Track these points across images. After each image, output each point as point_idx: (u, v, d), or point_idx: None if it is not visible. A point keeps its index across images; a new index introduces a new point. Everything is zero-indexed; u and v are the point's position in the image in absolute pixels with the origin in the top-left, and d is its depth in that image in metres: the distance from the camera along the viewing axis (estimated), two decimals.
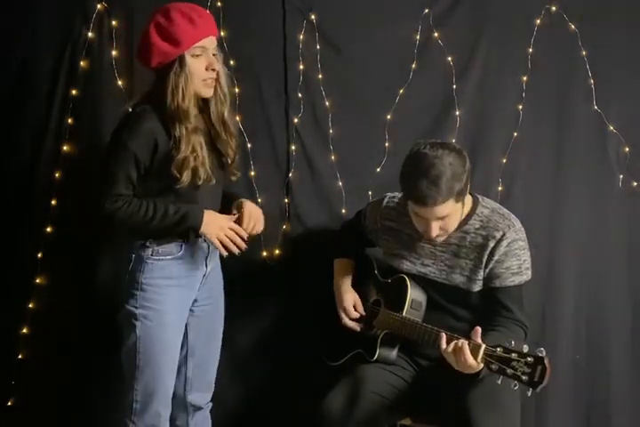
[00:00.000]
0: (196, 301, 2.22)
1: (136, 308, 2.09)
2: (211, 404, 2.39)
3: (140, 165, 2.01)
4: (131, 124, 2.02)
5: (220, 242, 2.07)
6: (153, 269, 2.09)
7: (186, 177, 2.01)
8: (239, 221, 2.13)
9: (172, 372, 2.17)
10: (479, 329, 1.92)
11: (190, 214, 2.04)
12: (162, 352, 2.12)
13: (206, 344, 2.29)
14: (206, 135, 2.11)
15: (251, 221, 2.14)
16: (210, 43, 2.05)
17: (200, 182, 2.05)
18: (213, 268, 2.26)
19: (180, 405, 2.31)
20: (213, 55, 2.05)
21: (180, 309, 2.16)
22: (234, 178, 2.25)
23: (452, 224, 2.10)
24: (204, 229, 2.05)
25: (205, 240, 2.14)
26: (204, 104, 2.12)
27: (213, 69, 2.04)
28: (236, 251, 2.10)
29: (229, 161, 2.18)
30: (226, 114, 2.13)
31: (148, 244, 2.09)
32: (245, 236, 2.10)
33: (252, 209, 2.17)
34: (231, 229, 2.09)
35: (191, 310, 2.23)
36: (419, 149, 2.04)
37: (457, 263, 2.17)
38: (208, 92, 2.07)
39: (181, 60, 2.00)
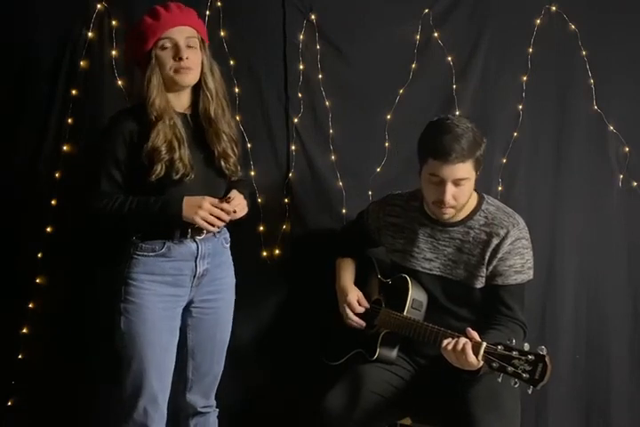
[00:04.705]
0: (192, 302, 2.21)
1: (121, 302, 2.11)
2: (216, 410, 2.36)
3: (121, 165, 2.07)
4: (106, 126, 2.13)
5: (204, 220, 2.05)
6: (137, 264, 2.11)
7: (160, 169, 2.03)
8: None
9: (156, 368, 2.12)
10: (471, 330, 1.93)
11: (170, 202, 2.05)
12: (145, 348, 2.09)
13: (207, 347, 2.27)
14: (192, 131, 2.13)
15: (235, 199, 2.12)
16: (178, 32, 2.04)
17: (177, 177, 2.05)
18: (214, 271, 2.22)
19: (182, 406, 2.30)
20: (188, 46, 2.05)
21: (163, 304, 2.13)
22: (234, 178, 2.23)
23: (464, 197, 2.11)
24: (185, 213, 2.04)
25: (195, 240, 2.14)
26: (195, 101, 2.14)
27: (180, 58, 2.03)
28: (221, 224, 2.09)
29: (222, 160, 2.15)
30: (212, 111, 2.12)
31: (133, 239, 2.12)
32: (230, 209, 2.08)
33: (238, 193, 2.16)
34: (211, 206, 2.06)
35: (189, 311, 2.22)
36: (439, 117, 2.12)
37: (460, 258, 2.18)
38: (182, 79, 2.07)
39: (151, 54, 2.04)
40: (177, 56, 2.04)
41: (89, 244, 2.55)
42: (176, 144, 2.05)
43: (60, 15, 2.53)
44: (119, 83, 2.55)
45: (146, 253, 2.12)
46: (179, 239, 2.12)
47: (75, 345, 2.58)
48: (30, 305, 2.55)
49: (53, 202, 2.55)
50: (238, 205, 2.12)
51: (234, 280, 2.34)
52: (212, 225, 2.07)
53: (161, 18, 2.04)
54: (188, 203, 2.05)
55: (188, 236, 2.12)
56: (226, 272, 2.29)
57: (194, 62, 2.07)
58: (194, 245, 2.15)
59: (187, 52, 2.05)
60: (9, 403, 2.59)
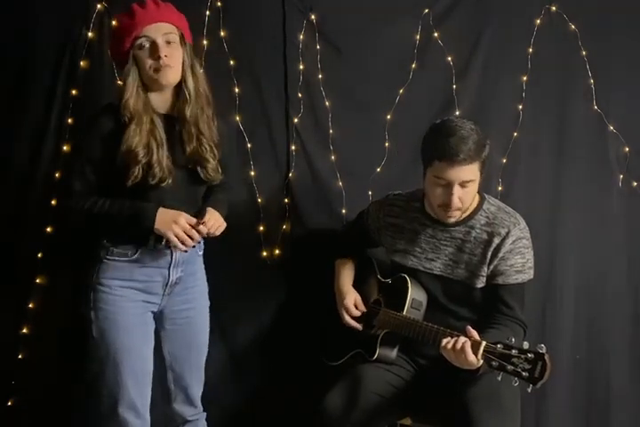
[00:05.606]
0: (163, 313, 2.17)
1: (91, 310, 2.07)
2: (203, 413, 2.34)
3: (96, 164, 2.02)
4: (85, 126, 2.09)
5: (177, 237, 1.99)
6: (107, 269, 2.07)
7: (137, 172, 1.97)
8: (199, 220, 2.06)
9: (133, 375, 2.08)
10: (470, 328, 1.93)
11: (143, 212, 2.00)
12: (120, 355, 2.05)
13: (184, 356, 2.23)
14: (174, 133, 2.06)
15: (210, 220, 2.05)
16: (155, 30, 1.97)
17: (153, 182, 2.00)
18: (187, 279, 2.18)
19: (170, 416, 2.28)
20: (167, 43, 1.98)
21: (135, 310, 2.09)
22: (215, 182, 2.15)
23: (469, 199, 2.11)
24: (157, 225, 1.99)
25: (170, 248, 2.07)
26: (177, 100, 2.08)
27: (159, 57, 1.96)
28: (191, 244, 2.02)
29: (197, 165, 2.07)
30: (187, 111, 2.03)
31: (104, 243, 2.07)
32: (204, 231, 2.02)
33: (213, 213, 2.09)
34: (188, 224, 2.01)
35: (162, 323, 2.19)
36: (442, 119, 2.12)
37: (461, 258, 2.18)
38: (163, 78, 1.98)
39: (129, 54, 1.99)
40: (155, 54, 1.96)
41: (89, 244, 2.55)
42: (154, 146, 1.99)
43: (60, 15, 2.53)
44: (119, 83, 2.54)
45: (117, 258, 2.07)
46: (153, 246, 2.06)
47: (75, 345, 2.57)
48: (30, 305, 2.55)
49: (53, 202, 2.54)
50: (212, 226, 2.05)
51: (206, 288, 2.29)
52: (183, 243, 2.01)
53: (136, 16, 1.97)
54: (163, 216, 1.99)
55: (163, 243, 2.05)
56: (198, 281, 2.25)
57: (173, 60, 1.99)
58: (168, 253, 2.10)
59: (165, 49, 1.97)
60: (9, 403, 2.58)
